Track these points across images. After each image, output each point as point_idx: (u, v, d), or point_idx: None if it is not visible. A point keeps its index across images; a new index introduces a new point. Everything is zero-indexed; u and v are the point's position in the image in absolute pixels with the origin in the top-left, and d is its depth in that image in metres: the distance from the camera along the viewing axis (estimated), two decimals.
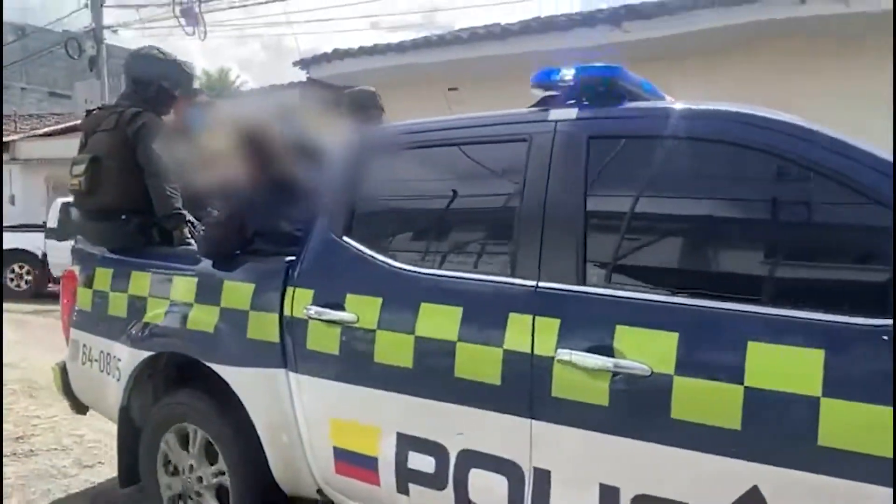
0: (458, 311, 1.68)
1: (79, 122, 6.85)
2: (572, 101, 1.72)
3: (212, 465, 2.27)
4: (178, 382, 2.43)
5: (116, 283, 2.56)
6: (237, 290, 2.18)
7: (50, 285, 10.21)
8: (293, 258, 2.11)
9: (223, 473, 2.20)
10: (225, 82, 25.92)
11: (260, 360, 2.09)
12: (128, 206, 2.58)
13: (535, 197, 1.65)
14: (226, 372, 2.14)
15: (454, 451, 1.68)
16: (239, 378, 2.12)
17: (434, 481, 1.71)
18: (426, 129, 1.96)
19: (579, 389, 1.46)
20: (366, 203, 2.04)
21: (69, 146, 3.45)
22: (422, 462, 1.73)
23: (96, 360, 2.62)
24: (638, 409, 1.42)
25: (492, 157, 1.84)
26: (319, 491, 2.05)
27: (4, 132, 13.99)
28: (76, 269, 2.79)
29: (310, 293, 1.99)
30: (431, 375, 1.71)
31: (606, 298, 1.50)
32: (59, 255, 8.76)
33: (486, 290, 1.68)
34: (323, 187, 2.10)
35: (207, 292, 2.25)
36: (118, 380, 2.48)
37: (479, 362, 1.62)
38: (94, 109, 2.84)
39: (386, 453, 1.80)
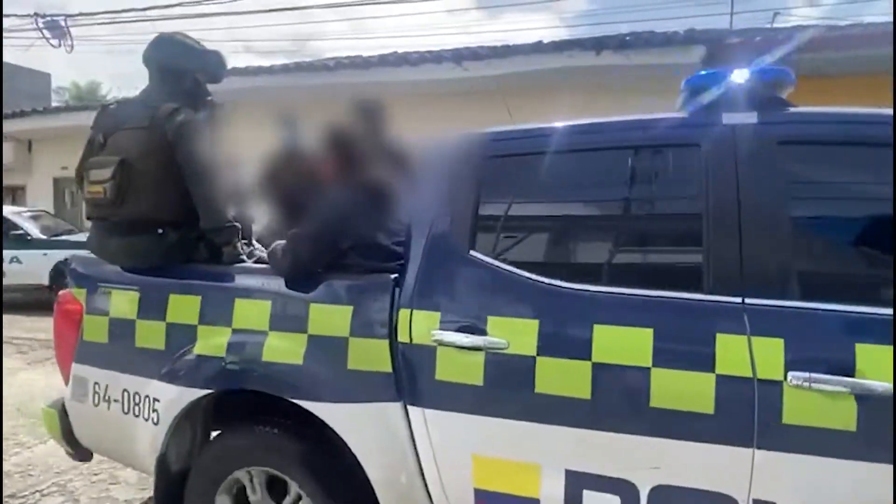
0: (647, 334, 1.50)
1: None
2: (737, 105, 1.60)
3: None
4: (237, 422, 2.06)
5: (147, 309, 2.13)
6: (330, 314, 1.86)
7: None
8: (395, 275, 1.85)
9: None
10: (95, 95, 23.61)
11: (367, 393, 1.80)
12: (165, 218, 2.14)
13: (726, 205, 1.51)
14: (321, 409, 1.83)
15: (646, 488, 1.51)
16: (340, 415, 1.82)
17: None
18: (567, 133, 1.75)
19: (818, 414, 1.35)
20: (497, 214, 1.80)
21: None
22: (601, 501, 1.55)
23: (116, 401, 2.18)
24: (883, 433, 1.33)
25: (650, 163, 1.68)
26: None
27: None
28: (78, 293, 2.30)
29: (435, 316, 1.74)
30: (617, 406, 1.53)
31: (832, 314, 1.40)
32: None
33: (680, 309, 1.51)
34: (430, 196, 1.85)
35: (288, 317, 1.92)
36: (156, 423, 2.07)
37: (683, 390, 1.46)
38: (110, 104, 2.33)
39: (551, 494, 1.60)
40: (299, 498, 1.94)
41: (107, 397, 2.21)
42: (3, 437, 3.44)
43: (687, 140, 1.60)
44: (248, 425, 2.01)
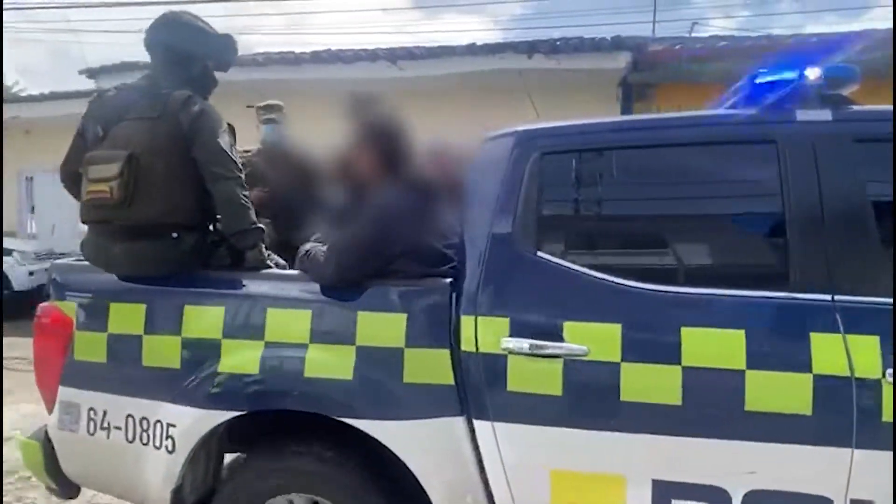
0: (739, 335, 1.47)
1: None
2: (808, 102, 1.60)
3: None
4: (268, 445, 1.87)
5: (157, 323, 1.89)
6: (382, 323, 1.72)
7: None
8: (449, 280, 1.73)
9: None
10: None
11: (427, 408, 1.67)
12: (180, 220, 1.90)
13: (808, 202, 1.51)
14: (376, 428, 1.68)
15: (739, 494, 1.47)
16: (398, 434, 1.68)
17: None
18: (634, 128, 1.70)
19: None
20: (562, 213, 1.72)
21: None
22: None
23: (118, 428, 1.92)
24: None
25: (724, 159, 1.65)
26: None
27: None
28: (65, 307, 2.02)
29: (503, 322, 1.63)
30: (710, 411, 1.48)
31: None
32: None
33: (770, 309, 1.49)
34: (485, 196, 1.74)
35: (332, 328, 1.75)
36: (171, 451, 1.84)
37: (780, 392, 1.43)
38: (107, 91, 2.04)
39: None
40: None
41: (105, 424, 1.94)
42: None
43: (763, 136, 1.59)
44: (285, 448, 1.82)
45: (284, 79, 7.73)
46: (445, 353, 1.68)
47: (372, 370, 1.70)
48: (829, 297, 1.46)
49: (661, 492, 1.52)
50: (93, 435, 1.96)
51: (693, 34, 11.64)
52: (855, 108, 1.62)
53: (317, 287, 1.80)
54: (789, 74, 1.61)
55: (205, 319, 1.85)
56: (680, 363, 1.49)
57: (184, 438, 1.83)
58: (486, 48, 7.58)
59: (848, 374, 1.40)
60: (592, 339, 1.56)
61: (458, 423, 1.66)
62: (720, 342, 1.48)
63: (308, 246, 1.89)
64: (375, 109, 1.93)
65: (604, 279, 1.60)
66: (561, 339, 1.58)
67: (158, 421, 1.87)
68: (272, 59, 8.01)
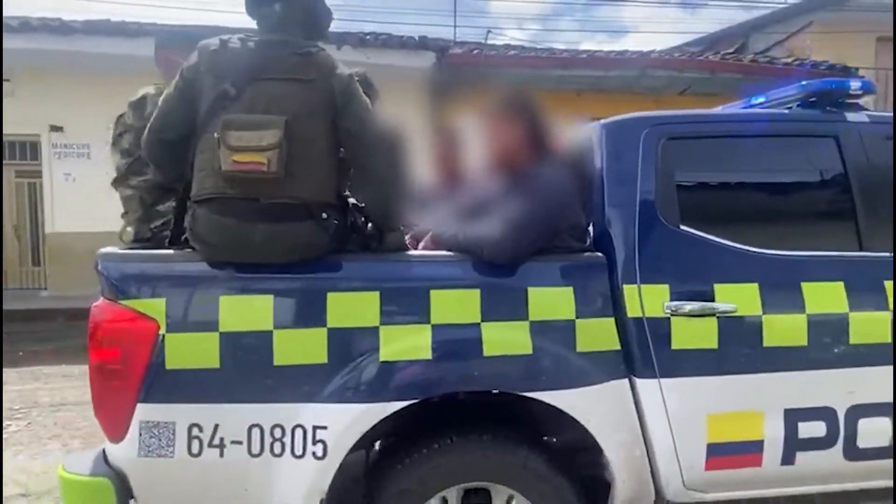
0: (840, 286, 1.88)
1: None
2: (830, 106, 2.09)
3: None
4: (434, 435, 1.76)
5: (291, 315, 1.65)
6: (552, 298, 1.77)
7: None
8: (598, 254, 1.86)
9: None
10: None
11: (599, 373, 1.78)
12: (329, 198, 1.67)
13: (863, 184, 1.98)
14: (556, 398, 1.73)
15: (843, 410, 1.88)
16: (576, 401, 1.75)
17: (823, 443, 1.87)
18: (731, 121, 2.02)
19: None
20: (694, 191, 1.95)
21: None
22: (812, 429, 1.86)
23: (237, 442, 1.63)
24: None
25: (798, 149, 2.05)
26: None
27: None
28: (141, 305, 1.61)
29: (664, 288, 1.82)
30: (826, 347, 1.86)
31: None
32: None
33: (857, 265, 1.92)
34: (624, 176, 1.90)
35: (503, 305, 1.74)
36: (320, 457, 1.64)
37: (870, 327, 1.87)
38: (227, 40, 1.61)
39: (773, 433, 1.84)
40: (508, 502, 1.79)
41: (216, 441, 1.63)
42: None
43: (826, 133, 2.02)
44: (459, 437, 1.74)
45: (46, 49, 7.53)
46: (611, 321, 1.80)
47: (548, 343, 1.74)
48: (889, 254, 1.94)
49: (790, 418, 1.86)
50: (197, 456, 1.63)
51: (488, 41, 12.85)
52: (885, 112, 2.15)
53: (476, 267, 1.76)
54: (835, 85, 2.08)
55: (356, 307, 1.67)
56: (805, 311, 1.85)
57: (340, 439, 1.64)
58: None
59: None
60: (738, 298, 1.83)
61: (625, 384, 1.80)
62: (829, 292, 1.88)
63: (452, 230, 1.83)
64: (528, 98, 1.93)
65: (739, 247, 1.89)
66: (713, 300, 1.83)
67: (299, 426, 1.64)
68: (30, 26, 7.64)
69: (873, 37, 11.23)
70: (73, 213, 8.09)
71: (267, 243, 1.61)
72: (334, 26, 1.89)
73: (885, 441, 1.90)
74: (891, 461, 1.90)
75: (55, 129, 8.60)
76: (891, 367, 1.88)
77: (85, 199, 7.06)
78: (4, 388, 2.67)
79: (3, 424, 3.74)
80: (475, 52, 9.23)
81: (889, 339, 1.89)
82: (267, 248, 1.62)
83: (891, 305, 1.90)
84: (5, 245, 9.13)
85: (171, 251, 1.70)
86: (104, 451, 1.70)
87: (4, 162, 8.95)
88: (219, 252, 1.63)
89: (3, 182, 9.03)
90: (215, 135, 1.55)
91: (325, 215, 1.64)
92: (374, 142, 1.69)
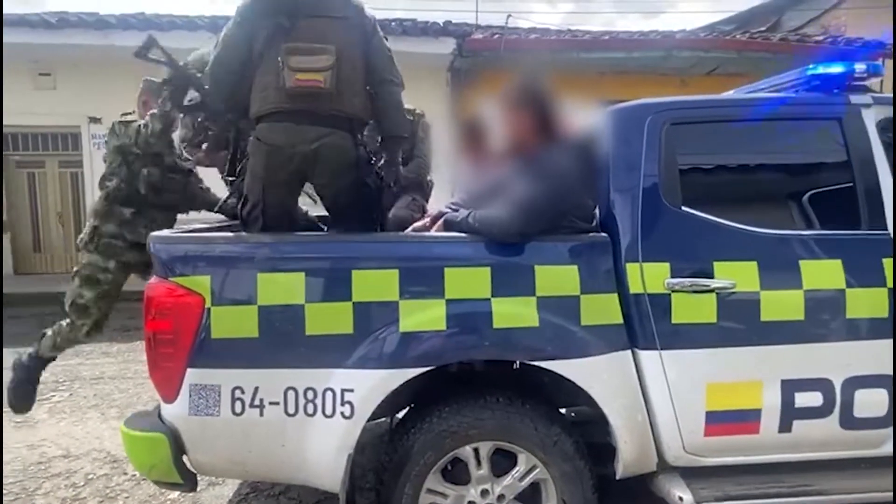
0: (838, 264, 1.97)
1: None
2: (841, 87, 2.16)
3: (498, 476, 1.96)
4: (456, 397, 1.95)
5: (321, 291, 1.83)
6: (558, 275, 1.91)
7: None
8: (602, 234, 1.98)
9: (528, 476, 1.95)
10: None
11: (603, 345, 1.91)
12: (365, 117, 2.13)
13: (865, 164, 2.05)
14: (563, 366, 1.88)
15: (839, 381, 1.98)
16: (580, 370, 1.89)
17: (819, 412, 1.98)
18: (732, 105, 2.11)
19: None
20: (694, 174, 2.06)
21: None
22: (808, 399, 1.97)
23: (275, 403, 1.83)
24: None
25: (802, 132, 2.14)
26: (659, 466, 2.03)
27: None
28: (189, 282, 1.81)
29: (664, 266, 1.94)
30: (823, 322, 1.96)
31: None
32: None
33: (856, 243, 2.01)
34: (627, 160, 2.02)
35: (512, 282, 1.89)
36: (348, 416, 1.82)
37: (866, 302, 1.96)
38: None
39: (770, 402, 1.96)
40: (529, 471, 1.95)
41: (257, 402, 1.83)
42: None
43: (830, 115, 2.10)
44: (477, 399, 1.92)
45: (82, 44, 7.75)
46: (614, 296, 1.94)
47: (554, 317, 1.89)
48: (888, 232, 2.02)
49: (787, 388, 1.97)
50: (239, 415, 1.83)
51: (510, 25, 12.82)
52: (884, 94, 2.21)
53: (487, 247, 1.91)
54: (839, 68, 2.14)
55: (378, 283, 1.84)
56: (802, 287, 1.96)
57: (365, 401, 1.82)
58: None
59: None
60: (737, 275, 1.95)
61: (627, 355, 1.94)
62: (826, 270, 1.97)
63: (463, 212, 1.98)
64: (538, 85, 2.06)
65: (737, 227, 1.99)
66: (713, 276, 1.94)
67: (329, 389, 1.82)
68: (68, 22, 7.81)
69: None
70: None
71: (316, 142, 2.00)
72: None
73: (882, 412, 2.00)
74: (889, 430, 2.00)
75: (94, 120, 8.96)
76: (888, 341, 1.98)
77: None
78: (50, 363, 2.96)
79: (48, 395, 4.10)
80: (496, 36, 9.23)
81: (886, 315, 1.98)
82: (316, 148, 2.01)
83: (889, 283, 1.98)
84: (50, 232, 9.60)
85: (214, 234, 1.90)
86: (159, 410, 1.92)
87: (48, 153, 9.38)
88: (275, 151, 1.98)
89: (47, 173, 9.48)
90: (279, 59, 1.89)
91: (359, 136, 2.10)
92: (390, 75, 2.17)
